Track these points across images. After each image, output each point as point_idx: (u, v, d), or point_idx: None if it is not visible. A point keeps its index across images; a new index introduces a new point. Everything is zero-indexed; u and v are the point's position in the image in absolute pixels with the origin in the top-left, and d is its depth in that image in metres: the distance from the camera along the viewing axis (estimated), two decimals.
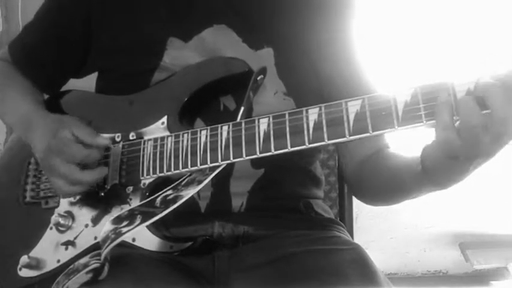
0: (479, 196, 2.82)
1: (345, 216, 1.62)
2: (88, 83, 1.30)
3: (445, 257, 2.98)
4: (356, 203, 1.46)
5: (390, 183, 1.09)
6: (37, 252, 1.13)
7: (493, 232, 2.92)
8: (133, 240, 1.04)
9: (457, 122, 0.82)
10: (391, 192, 1.12)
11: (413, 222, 2.87)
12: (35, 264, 1.12)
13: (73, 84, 1.33)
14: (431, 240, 2.94)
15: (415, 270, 3.01)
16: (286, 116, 0.94)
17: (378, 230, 2.79)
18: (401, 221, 2.84)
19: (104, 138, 1.11)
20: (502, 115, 0.79)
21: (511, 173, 2.80)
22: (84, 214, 1.12)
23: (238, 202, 1.15)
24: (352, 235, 1.51)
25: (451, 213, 2.87)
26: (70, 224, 1.12)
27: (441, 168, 0.90)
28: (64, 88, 1.33)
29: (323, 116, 0.91)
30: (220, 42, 1.17)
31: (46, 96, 1.32)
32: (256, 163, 1.14)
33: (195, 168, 1.01)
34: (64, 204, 1.15)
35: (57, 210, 1.15)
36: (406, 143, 1.07)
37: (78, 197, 1.13)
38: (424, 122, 0.84)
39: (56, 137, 1.09)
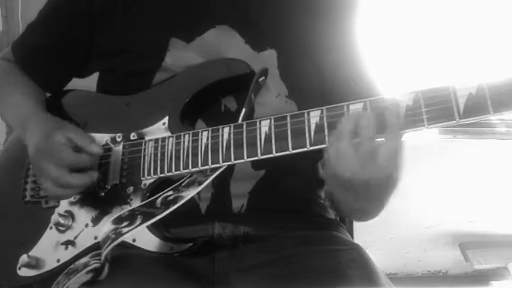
0: (479, 196, 2.82)
1: None
2: (89, 83, 1.30)
3: (445, 257, 2.98)
4: None
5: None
6: (37, 251, 1.13)
7: (493, 232, 2.92)
8: (134, 240, 1.04)
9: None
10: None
11: (413, 222, 2.87)
12: (34, 264, 1.12)
13: (74, 84, 1.33)
14: (431, 240, 2.94)
15: (415, 270, 3.01)
16: (288, 118, 0.94)
17: (378, 230, 2.79)
18: (401, 221, 2.84)
19: (99, 146, 1.10)
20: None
21: (511, 173, 2.80)
22: (84, 214, 1.11)
23: (238, 203, 1.14)
24: (352, 235, 1.50)
25: (451, 213, 2.87)
26: (70, 223, 1.12)
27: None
28: (66, 88, 1.32)
29: (324, 118, 0.91)
30: (222, 44, 1.17)
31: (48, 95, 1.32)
32: (256, 164, 1.13)
33: (196, 169, 1.01)
34: (64, 204, 1.14)
35: (57, 210, 1.14)
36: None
37: (78, 197, 1.13)
38: (426, 125, 0.84)
39: (48, 139, 1.09)
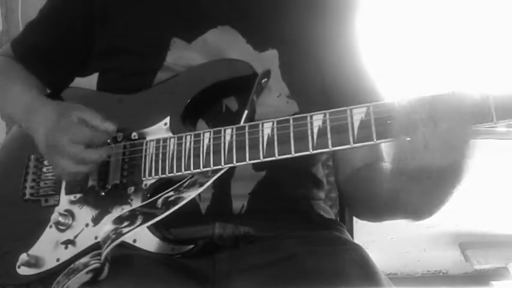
0: (479, 196, 2.82)
1: (345, 216, 1.62)
2: (90, 81, 1.29)
3: (445, 257, 2.98)
4: None
5: (386, 196, 1.08)
6: (36, 250, 1.13)
7: (493, 232, 2.92)
8: (134, 241, 1.04)
9: None
10: (387, 206, 1.11)
11: (414, 222, 2.86)
12: (34, 263, 1.12)
13: (74, 82, 1.32)
14: (431, 240, 2.94)
15: (415, 270, 3.01)
16: (291, 121, 0.93)
17: (378, 230, 2.79)
18: (401, 221, 2.83)
19: (113, 124, 1.08)
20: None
21: (511, 173, 2.80)
22: (85, 213, 1.11)
23: (239, 204, 1.14)
24: (352, 235, 1.50)
25: (451, 213, 2.87)
26: (70, 222, 1.12)
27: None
28: None
29: (327, 122, 0.90)
30: (224, 44, 1.16)
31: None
32: (257, 165, 1.13)
33: (198, 170, 1.00)
34: (64, 203, 1.14)
35: (57, 209, 1.14)
36: None
37: (78, 196, 1.13)
38: None
39: (63, 117, 1.07)
